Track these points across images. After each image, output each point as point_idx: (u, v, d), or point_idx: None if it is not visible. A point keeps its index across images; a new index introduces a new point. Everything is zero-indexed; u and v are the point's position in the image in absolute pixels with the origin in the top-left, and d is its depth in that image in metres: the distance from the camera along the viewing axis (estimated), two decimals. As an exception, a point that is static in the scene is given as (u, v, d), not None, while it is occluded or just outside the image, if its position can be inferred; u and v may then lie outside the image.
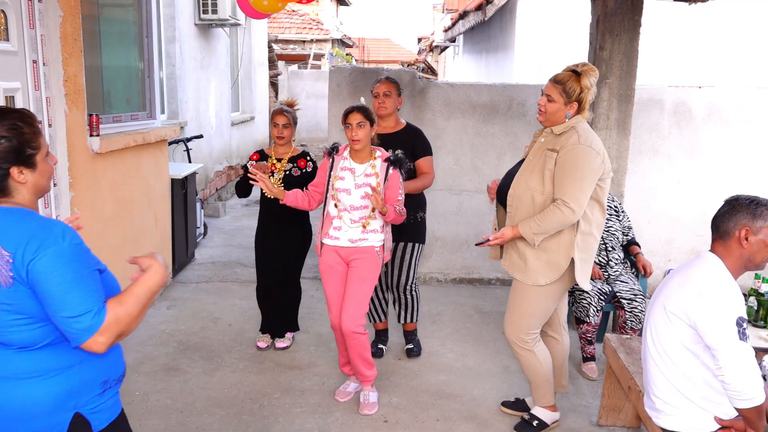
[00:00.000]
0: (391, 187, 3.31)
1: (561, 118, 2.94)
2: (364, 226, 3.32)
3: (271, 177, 3.89)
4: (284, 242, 4.02)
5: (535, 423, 3.20)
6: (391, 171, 3.31)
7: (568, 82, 2.89)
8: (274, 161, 3.96)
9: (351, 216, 3.31)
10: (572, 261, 2.94)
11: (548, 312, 3.11)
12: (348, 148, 3.37)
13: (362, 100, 3.46)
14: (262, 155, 4.02)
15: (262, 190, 3.77)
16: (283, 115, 3.91)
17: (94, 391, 1.71)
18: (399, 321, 4.09)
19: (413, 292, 3.99)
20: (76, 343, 1.57)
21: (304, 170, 3.96)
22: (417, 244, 3.92)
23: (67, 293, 1.54)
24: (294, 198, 3.41)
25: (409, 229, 3.87)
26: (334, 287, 3.39)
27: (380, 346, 4.06)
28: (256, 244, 4.12)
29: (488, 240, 3.03)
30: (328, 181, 3.37)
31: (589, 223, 2.95)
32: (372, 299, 3.95)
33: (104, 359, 1.74)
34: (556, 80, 2.94)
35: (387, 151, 3.41)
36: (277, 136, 3.94)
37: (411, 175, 3.81)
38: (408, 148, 3.79)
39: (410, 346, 4.09)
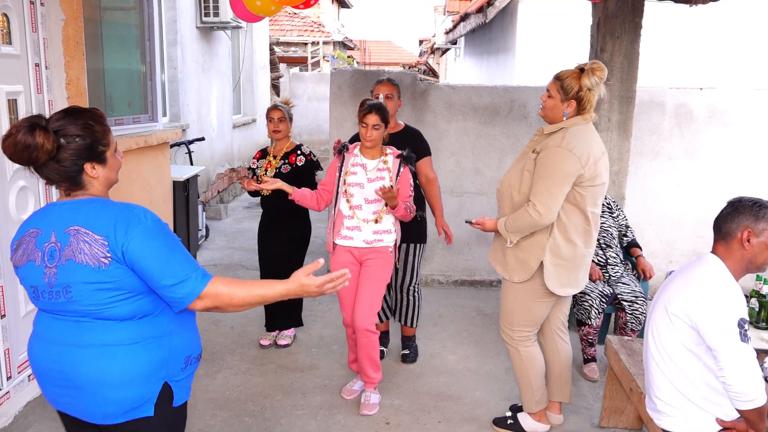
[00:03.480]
0: (403, 184, 3.32)
1: (558, 115, 2.88)
2: (376, 221, 3.32)
3: (265, 174, 3.94)
4: (284, 239, 4.05)
5: (509, 422, 3.24)
6: (402, 168, 3.34)
7: (567, 78, 2.83)
8: (271, 159, 4.03)
9: (364, 214, 3.31)
10: (542, 264, 2.90)
11: (532, 313, 3.05)
12: (358, 146, 3.39)
13: (381, 98, 3.51)
14: (264, 153, 4.11)
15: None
16: (278, 110, 3.97)
17: (179, 364, 1.81)
18: (398, 321, 4.04)
19: (416, 293, 3.96)
20: (179, 307, 1.72)
21: (294, 165, 3.97)
22: (420, 245, 3.92)
23: (164, 263, 1.68)
24: (302, 195, 3.43)
25: (412, 229, 3.85)
26: (346, 287, 3.34)
27: (381, 348, 4.04)
28: (258, 241, 4.20)
29: (472, 222, 3.10)
30: (339, 178, 3.38)
31: (564, 229, 2.86)
32: None
33: (189, 335, 1.85)
34: (557, 76, 2.89)
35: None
36: (273, 131, 3.99)
37: (413, 176, 3.82)
38: (407, 149, 3.80)
39: (406, 351, 4.03)
